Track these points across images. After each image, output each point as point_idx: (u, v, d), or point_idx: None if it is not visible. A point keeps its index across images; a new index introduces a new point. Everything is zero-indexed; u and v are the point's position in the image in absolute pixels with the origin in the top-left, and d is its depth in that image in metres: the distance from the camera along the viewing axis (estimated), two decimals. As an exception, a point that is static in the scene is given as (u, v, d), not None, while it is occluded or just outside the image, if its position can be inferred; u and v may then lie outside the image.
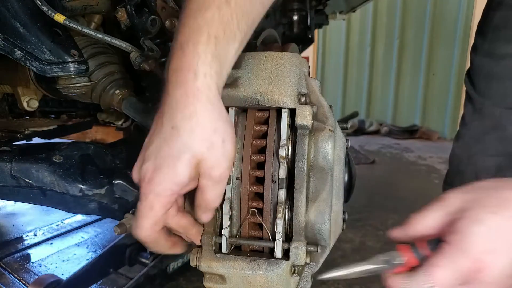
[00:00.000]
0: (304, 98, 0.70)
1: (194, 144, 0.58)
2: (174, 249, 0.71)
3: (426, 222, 0.61)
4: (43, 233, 2.44)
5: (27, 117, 1.52)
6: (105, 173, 1.02)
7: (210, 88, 0.58)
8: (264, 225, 0.72)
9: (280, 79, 0.71)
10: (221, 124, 0.60)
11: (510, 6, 0.94)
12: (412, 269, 0.59)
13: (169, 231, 0.69)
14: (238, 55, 0.65)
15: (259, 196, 0.74)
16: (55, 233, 2.43)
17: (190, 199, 0.70)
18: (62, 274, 1.89)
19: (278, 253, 0.71)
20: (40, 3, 0.80)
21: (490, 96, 1.01)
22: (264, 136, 0.74)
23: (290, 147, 0.72)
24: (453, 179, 1.17)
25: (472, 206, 0.56)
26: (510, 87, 0.97)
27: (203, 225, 0.74)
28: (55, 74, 0.84)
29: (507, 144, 1.00)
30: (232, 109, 0.73)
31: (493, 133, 1.02)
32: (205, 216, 0.66)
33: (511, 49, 0.95)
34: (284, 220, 0.72)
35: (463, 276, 0.53)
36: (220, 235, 0.73)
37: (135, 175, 0.63)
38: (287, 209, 0.73)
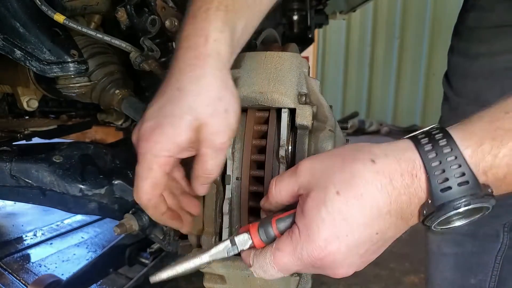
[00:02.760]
0: (304, 98, 0.70)
1: (198, 106, 0.58)
2: (175, 222, 0.68)
3: (281, 192, 0.57)
4: (43, 233, 2.44)
5: (27, 117, 1.51)
6: (105, 173, 1.02)
7: (219, 54, 0.59)
8: (264, 225, 0.72)
9: (280, 79, 0.71)
10: (226, 93, 0.59)
11: (483, 7, 0.96)
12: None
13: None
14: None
15: (259, 196, 0.73)
16: (55, 233, 2.43)
17: (187, 174, 0.68)
18: (62, 274, 1.89)
19: (278, 253, 0.71)
20: (40, 3, 0.80)
21: (465, 95, 1.03)
22: (264, 136, 0.74)
23: (290, 147, 0.72)
24: None
25: (318, 182, 0.52)
26: (484, 86, 0.98)
27: (203, 225, 0.74)
28: (55, 74, 0.84)
29: None
30: (232, 109, 0.73)
31: None
32: (203, 188, 0.65)
33: (484, 48, 0.97)
34: (284, 220, 0.71)
35: (307, 262, 0.51)
36: (220, 235, 0.73)
37: (134, 136, 0.61)
38: (287, 209, 0.73)
